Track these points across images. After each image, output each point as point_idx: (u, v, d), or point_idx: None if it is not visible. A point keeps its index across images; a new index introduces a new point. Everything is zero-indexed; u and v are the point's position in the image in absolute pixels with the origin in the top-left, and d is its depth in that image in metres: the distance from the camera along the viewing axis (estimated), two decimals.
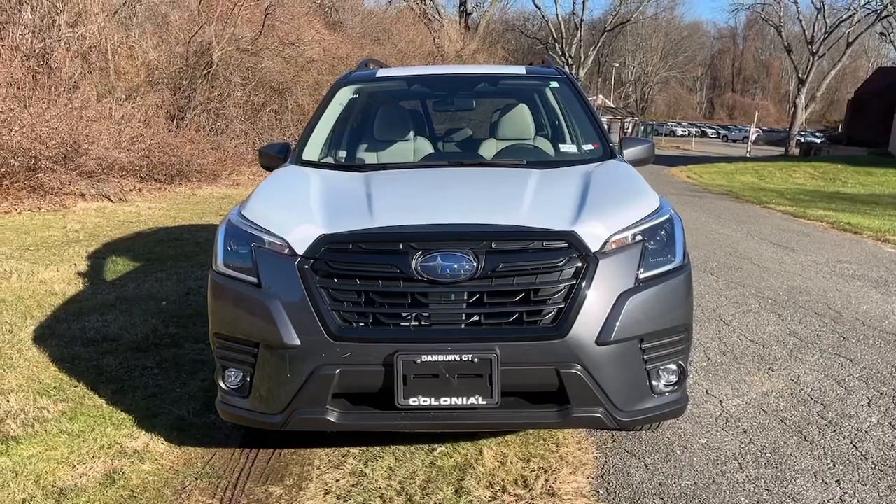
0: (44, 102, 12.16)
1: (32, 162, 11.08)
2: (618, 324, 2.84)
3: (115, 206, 11.42)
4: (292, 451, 3.52)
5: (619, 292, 2.88)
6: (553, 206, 3.13)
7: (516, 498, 3.08)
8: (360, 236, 2.90)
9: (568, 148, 4.38)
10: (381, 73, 4.85)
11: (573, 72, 52.70)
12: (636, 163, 4.34)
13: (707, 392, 4.36)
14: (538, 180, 3.53)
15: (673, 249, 3.09)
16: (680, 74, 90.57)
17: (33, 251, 7.84)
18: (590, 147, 4.28)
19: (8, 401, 3.83)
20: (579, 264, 2.87)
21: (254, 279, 2.95)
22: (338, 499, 3.09)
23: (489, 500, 3.07)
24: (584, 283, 2.84)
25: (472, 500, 3.06)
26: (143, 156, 13.12)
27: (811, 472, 3.38)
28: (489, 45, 39.59)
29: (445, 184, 3.66)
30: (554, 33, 49.45)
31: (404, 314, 2.83)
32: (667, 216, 3.16)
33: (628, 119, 57.99)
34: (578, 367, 2.82)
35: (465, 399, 2.80)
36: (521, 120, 4.56)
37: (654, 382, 3.02)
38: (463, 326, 2.82)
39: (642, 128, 61.81)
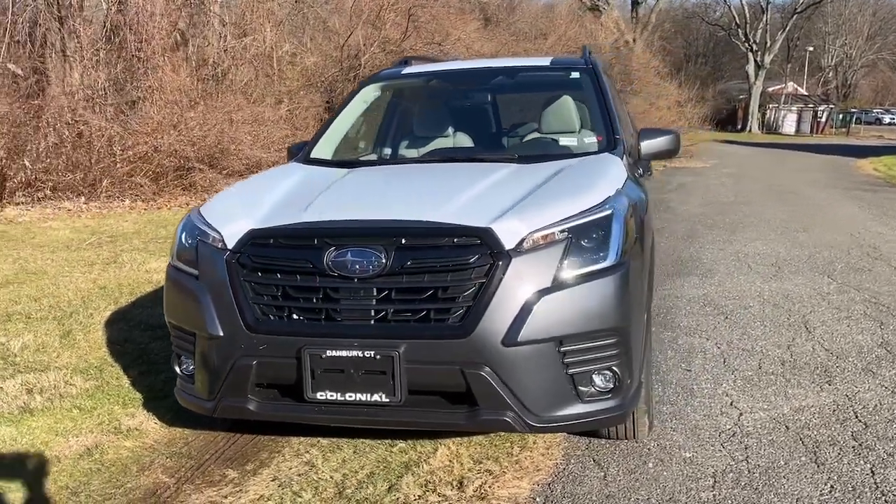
0: (202, 108, 13.27)
1: (182, 163, 12.15)
2: (525, 325, 2.70)
3: None
4: (270, 437, 3.65)
5: (531, 292, 2.74)
6: (488, 203, 3.03)
7: (442, 499, 3.01)
8: (279, 231, 2.97)
9: (569, 141, 4.18)
10: (407, 69, 4.88)
11: (759, 58, 49.48)
12: (656, 156, 4.09)
13: (731, 404, 4.02)
14: (504, 176, 3.43)
15: (606, 248, 2.88)
16: (890, 56, 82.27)
17: (159, 243, 8.60)
18: (592, 140, 4.08)
19: (47, 377, 4.27)
20: (490, 262, 2.76)
21: (195, 271, 3.10)
22: (280, 486, 3.18)
23: (415, 500, 3.03)
24: (493, 282, 2.73)
25: (398, 498, 3.03)
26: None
27: (795, 499, 3.03)
28: (660, 36, 38.13)
29: (409, 181, 3.66)
30: (737, 18, 46.70)
31: (316, 309, 2.86)
32: (605, 213, 2.95)
33: (822, 107, 53.57)
34: (486, 368, 2.72)
35: (368, 395, 2.79)
36: (548, 112, 4.40)
37: (581, 388, 2.84)
38: (372, 323, 2.80)
39: (840, 116, 56.88)
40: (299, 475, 3.26)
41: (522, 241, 2.80)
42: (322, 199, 3.24)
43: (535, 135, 4.38)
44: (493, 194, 3.15)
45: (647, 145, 4.07)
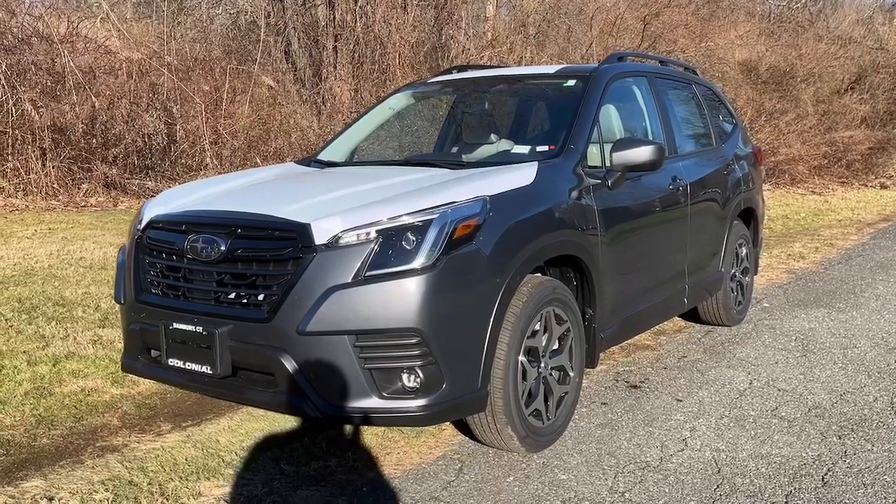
0: None
1: None
2: (316, 315, 2.88)
3: None
4: (227, 403, 4.15)
5: (328, 286, 2.90)
6: (340, 202, 3.22)
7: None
8: (164, 218, 3.44)
9: (521, 149, 4.11)
10: (433, 79, 5.09)
11: None
12: (632, 168, 3.92)
13: (661, 443, 3.71)
14: (409, 180, 3.57)
15: (416, 251, 2.93)
16: None
17: None
18: (543, 149, 3.99)
19: (104, 335, 5.18)
20: (300, 256, 2.97)
21: (126, 247, 3.70)
22: (193, 444, 3.66)
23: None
24: (300, 274, 2.94)
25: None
26: None
27: None
28: None
29: (330, 179, 3.97)
30: None
31: (176, 287, 3.29)
32: (424, 218, 2.99)
33: None
34: (284, 353, 2.95)
35: (199, 366, 3.15)
36: (526, 120, 4.39)
37: (381, 384, 2.94)
38: (212, 302, 3.17)
39: None
40: (187, 437, 3.70)
41: (335, 238, 2.96)
42: (225, 192, 3.66)
43: (505, 144, 4.37)
44: (362, 195, 3.33)
45: (619, 157, 3.89)
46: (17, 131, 11.11)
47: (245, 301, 3.08)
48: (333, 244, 2.96)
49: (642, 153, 3.88)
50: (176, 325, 3.19)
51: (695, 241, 4.87)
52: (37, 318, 5.46)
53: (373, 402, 2.94)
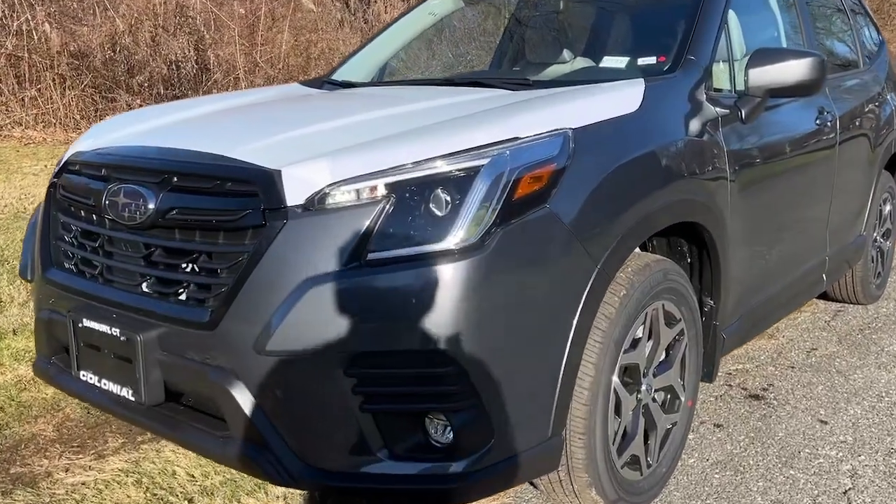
0: None
1: None
2: (284, 324, 1.74)
3: None
4: None
5: (306, 275, 1.75)
6: (340, 138, 2.04)
7: None
8: (82, 157, 2.31)
9: (614, 62, 2.83)
10: None
11: None
12: (777, 92, 2.66)
13: None
14: (446, 105, 2.39)
15: (452, 220, 1.74)
16: None
17: None
18: (649, 61, 2.72)
19: None
20: (262, 223, 1.81)
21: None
22: (134, 463, 2.61)
23: None
24: (262, 254, 1.80)
25: None
26: None
27: None
28: None
29: (346, 105, 2.75)
30: None
31: (93, 262, 2.18)
32: (469, 165, 1.80)
33: None
34: (235, 380, 1.82)
35: (118, 388, 2.05)
36: (614, 27, 3.12)
37: (390, 436, 1.80)
38: (137, 291, 2.05)
39: None
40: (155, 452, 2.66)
41: (317, 195, 1.80)
42: (179, 122, 2.51)
43: (582, 63, 3.09)
44: (373, 126, 2.15)
45: (757, 74, 2.61)
46: (34, 56, 10.17)
47: (181, 293, 1.95)
48: (316, 205, 1.80)
49: (795, 69, 2.60)
50: (87, 323, 2.09)
51: (840, 196, 3.57)
52: (0, 276, 4.48)
53: (377, 467, 1.81)
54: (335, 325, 1.73)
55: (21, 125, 10.28)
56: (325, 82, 3.39)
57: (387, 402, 1.79)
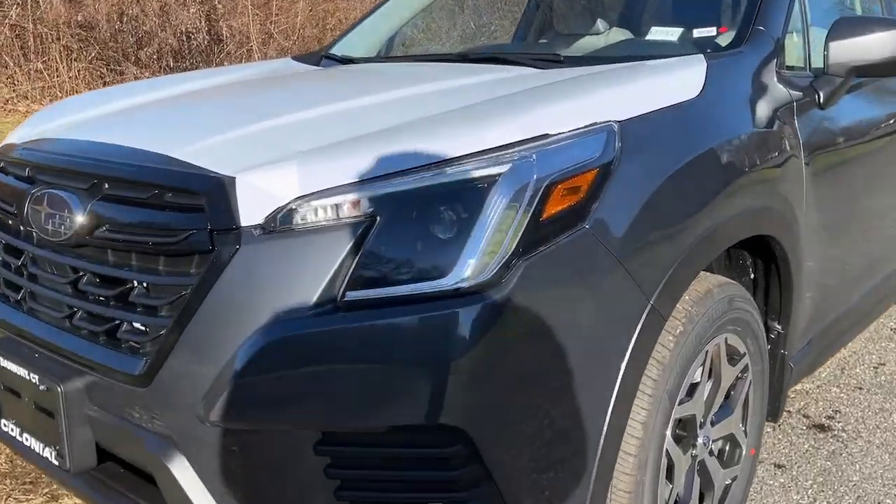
0: None
1: None
2: (235, 387, 1.30)
3: None
4: None
5: (265, 320, 1.31)
6: (317, 134, 1.59)
7: None
8: (11, 152, 1.87)
9: (663, 34, 2.32)
10: None
11: None
12: (862, 70, 2.17)
13: None
14: (458, 88, 1.92)
15: (460, 248, 1.29)
16: None
17: None
18: (707, 32, 2.22)
19: None
20: (210, 247, 1.37)
21: None
22: None
23: None
24: (208, 288, 1.36)
25: None
26: None
27: None
28: None
29: (338, 87, 2.29)
30: None
31: (16, 284, 1.75)
32: (484, 174, 1.34)
33: None
34: (175, 452, 1.39)
35: (41, 447, 1.63)
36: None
37: None
38: (67, 323, 1.62)
39: None
40: None
41: (280, 212, 1.35)
42: (129, 109, 2.06)
43: (619, 34, 2.60)
44: (363, 116, 1.69)
45: (840, 48, 2.11)
46: (39, 27, 9.79)
47: (113, 334, 1.51)
48: (279, 226, 1.36)
49: (885, 42, 2.10)
50: (4, 363, 1.67)
51: None
52: None
53: None
54: (301, 389, 1.30)
55: (27, 98, 9.95)
56: (323, 57, 2.92)
57: (370, 489, 1.36)
